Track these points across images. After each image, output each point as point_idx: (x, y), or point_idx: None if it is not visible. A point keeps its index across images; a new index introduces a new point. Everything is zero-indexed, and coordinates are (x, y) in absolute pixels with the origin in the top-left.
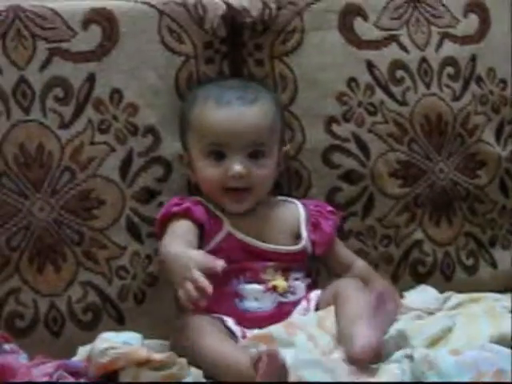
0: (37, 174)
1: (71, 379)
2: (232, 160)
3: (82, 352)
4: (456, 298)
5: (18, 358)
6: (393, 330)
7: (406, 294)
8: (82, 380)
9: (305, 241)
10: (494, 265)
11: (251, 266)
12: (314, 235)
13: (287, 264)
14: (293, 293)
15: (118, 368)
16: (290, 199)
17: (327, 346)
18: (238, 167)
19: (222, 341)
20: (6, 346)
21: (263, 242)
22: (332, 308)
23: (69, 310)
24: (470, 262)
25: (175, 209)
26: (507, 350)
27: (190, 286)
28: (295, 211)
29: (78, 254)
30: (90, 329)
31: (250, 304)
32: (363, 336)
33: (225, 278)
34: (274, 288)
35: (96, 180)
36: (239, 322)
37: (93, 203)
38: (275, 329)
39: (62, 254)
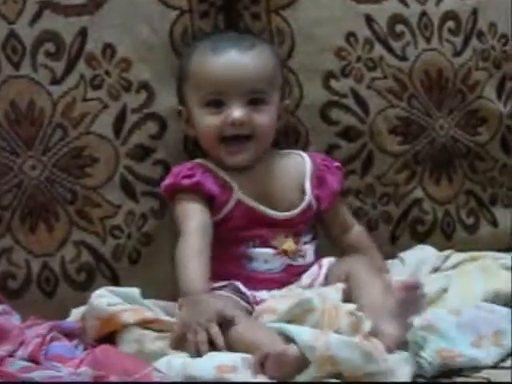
0: (28, 132)
1: (65, 340)
2: (231, 106)
3: (76, 313)
4: (456, 256)
5: (10, 320)
6: None
7: (402, 254)
8: (75, 341)
9: (309, 196)
10: (494, 223)
11: (261, 233)
12: (319, 190)
13: (297, 228)
14: (302, 256)
15: (121, 325)
16: (296, 151)
17: (335, 300)
18: (237, 113)
19: (252, 327)
20: None
21: (272, 204)
22: (341, 286)
23: (62, 270)
24: (470, 220)
25: (185, 182)
26: (504, 309)
27: (204, 336)
28: (301, 164)
29: (71, 212)
30: (84, 289)
31: (259, 265)
32: (389, 334)
33: (234, 243)
34: (285, 252)
35: (89, 137)
36: (247, 283)
37: (86, 161)
38: (283, 304)
39: (55, 213)
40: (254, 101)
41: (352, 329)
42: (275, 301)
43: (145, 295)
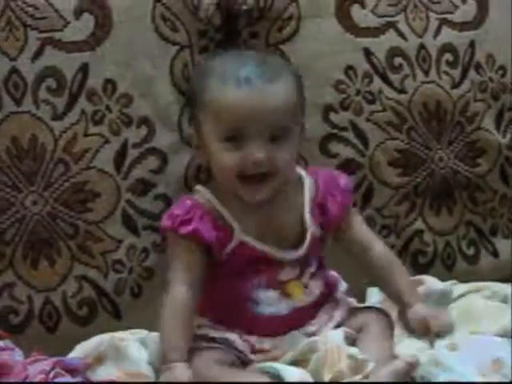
0: (30, 167)
1: (68, 376)
2: (252, 144)
3: (79, 350)
4: (458, 288)
5: (13, 355)
6: None
7: None
8: (78, 377)
9: (311, 228)
10: (495, 254)
11: (267, 269)
12: (322, 217)
13: (304, 259)
14: (308, 294)
15: None
16: (298, 171)
17: (339, 341)
18: (258, 154)
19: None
20: (1, 343)
21: (276, 241)
22: (344, 328)
23: (64, 305)
24: (470, 251)
25: (182, 230)
26: (500, 339)
27: None
28: (300, 191)
29: (73, 247)
30: (86, 324)
31: (265, 308)
32: None
33: (240, 281)
34: (290, 296)
35: (90, 172)
36: (251, 327)
37: (87, 196)
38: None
39: (57, 248)
40: (275, 137)
41: (351, 371)
42: (277, 349)
43: (147, 329)
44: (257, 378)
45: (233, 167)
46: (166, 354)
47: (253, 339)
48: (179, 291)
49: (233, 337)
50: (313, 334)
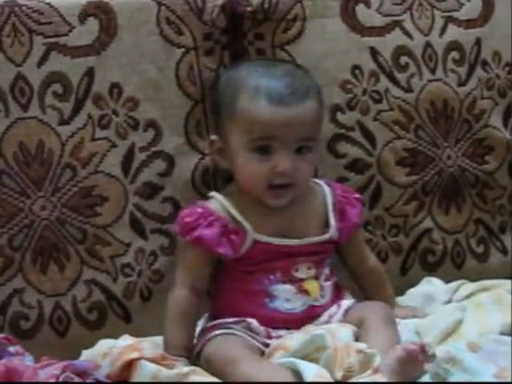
0: (37, 172)
1: (78, 380)
2: (280, 156)
3: (86, 355)
4: (466, 287)
5: (23, 361)
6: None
7: (412, 290)
8: (89, 380)
9: (332, 230)
10: (504, 251)
11: (282, 265)
12: (341, 223)
13: (318, 257)
14: (323, 296)
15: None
16: (314, 180)
17: (347, 339)
18: (286, 165)
19: (258, 365)
20: (11, 349)
21: (291, 237)
22: (351, 326)
23: (74, 310)
24: (480, 249)
25: (188, 238)
26: None
27: None
28: (322, 197)
29: (82, 252)
30: (96, 328)
31: (281, 304)
32: None
33: (256, 277)
34: (307, 292)
35: (98, 176)
36: (266, 322)
37: (95, 200)
38: (295, 341)
39: (66, 253)
40: (301, 148)
41: (361, 366)
42: (287, 338)
43: (157, 333)
44: (281, 372)
45: (261, 177)
46: (166, 351)
47: (268, 329)
48: (180, 294)
49: (250, 320)
50: (325, 324)
